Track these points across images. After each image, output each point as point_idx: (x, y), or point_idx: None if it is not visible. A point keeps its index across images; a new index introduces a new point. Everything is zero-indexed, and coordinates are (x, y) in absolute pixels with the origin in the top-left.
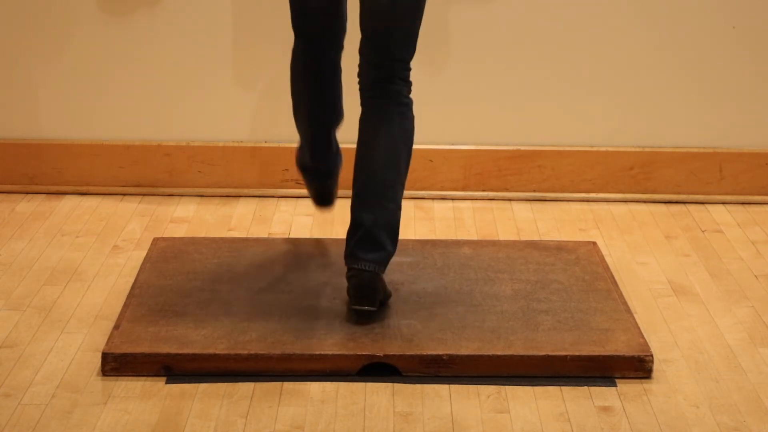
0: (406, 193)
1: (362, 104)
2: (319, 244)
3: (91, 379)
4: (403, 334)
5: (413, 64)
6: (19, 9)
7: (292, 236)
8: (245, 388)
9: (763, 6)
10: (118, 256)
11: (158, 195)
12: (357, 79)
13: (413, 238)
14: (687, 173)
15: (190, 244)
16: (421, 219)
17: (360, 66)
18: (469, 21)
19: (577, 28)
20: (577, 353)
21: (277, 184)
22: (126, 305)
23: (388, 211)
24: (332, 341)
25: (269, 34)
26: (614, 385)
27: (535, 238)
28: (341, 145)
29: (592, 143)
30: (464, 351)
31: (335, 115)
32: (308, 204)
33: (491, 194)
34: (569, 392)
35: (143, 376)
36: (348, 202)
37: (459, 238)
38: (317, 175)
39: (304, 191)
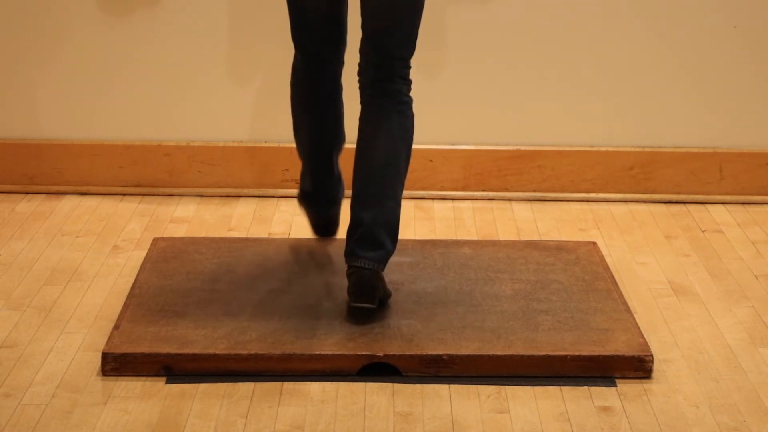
0: (406, 193)
1: (362, 103)
2: (319, 244)
3: (91, 379)
4: (403, 334)
5: (413, 63)
6: (19, 9)
7: (292, 236)
8: (245, 388)
9: (763, 6)
10: (118, 256)
11: (158, 195)
12: (357, 78)
13: (413, 238)
14: (687, 173)
15: (190, 244)
16: (421, 219)
17: (360, 65)
18: (469, 21)
19: (577, 28)
20: (577, 353)
21: (277, 184)
22: (126, 305)
23: (387, 210)
24: (332, 341)
25: (269, 34)
26: (614, 385)
27: (535, 238)
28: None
29: (592, 143)
30: (464, 351)
31: (336, 136)
32: None
33: (491, 194)
34: (569, 392)
35: (143, 376)
36: (348, 202)
37: (459, 238)
38: (318, 201)
39: None
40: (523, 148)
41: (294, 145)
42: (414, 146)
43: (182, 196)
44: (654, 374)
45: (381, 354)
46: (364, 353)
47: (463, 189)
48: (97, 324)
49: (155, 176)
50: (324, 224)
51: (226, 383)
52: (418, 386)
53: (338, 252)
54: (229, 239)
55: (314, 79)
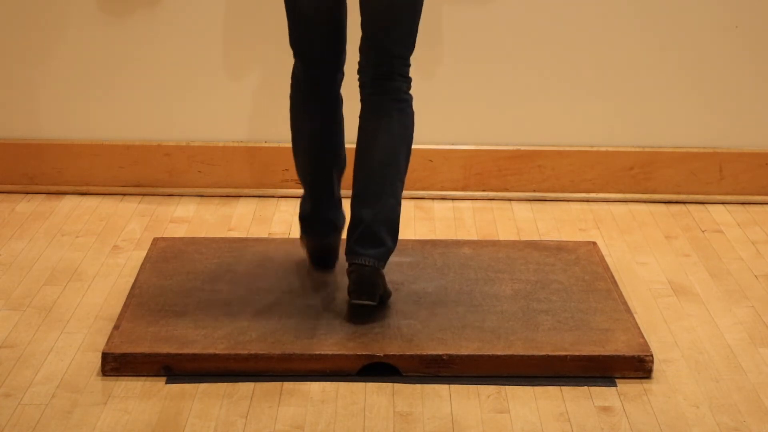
0: (406, 193)
1: (362, 101)
2: None
3: (91, 379)
4: (403, 334)
5: (413, 63)
6: (20, 9)
7: (292, 236)
8: (245, 388)
9: (763, 6)
10: (118, 256)
11: (158, 195)
12: (357, 77)
13: (413, 238)
14: (687, 173)
15: (190, 244)
16: (421, 219)
17: (360, 63)
18: (469, 21)
19: (577, 28)
20: (577, 353)
21: (277, 184)
22: (126, 305)
23: (387, 207)
24: (332, 341)
25: (269, 34)
26: (614, 385)
27: (535, 238)
28: None
29: (592, 143)
30: (464, 351)
31: (337, 153)
32: None
33: (491, 194)
34: (569, 392)
35: (143, 376)
36: (348, 202)
37: (459, 238)
38: (317, 225)
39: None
40: (523, 148)
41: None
42: (414, 146)
43: (182, 196)
44: (654, 374)
45: (381, 354)
46: (364, 353)
47: (463, 189)
48: (97, 324)
49: (155, 176)
50: (322, 252)
51: (226, 383)
52: (418, 386)
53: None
54: (229, 239)
55: (314, 86)
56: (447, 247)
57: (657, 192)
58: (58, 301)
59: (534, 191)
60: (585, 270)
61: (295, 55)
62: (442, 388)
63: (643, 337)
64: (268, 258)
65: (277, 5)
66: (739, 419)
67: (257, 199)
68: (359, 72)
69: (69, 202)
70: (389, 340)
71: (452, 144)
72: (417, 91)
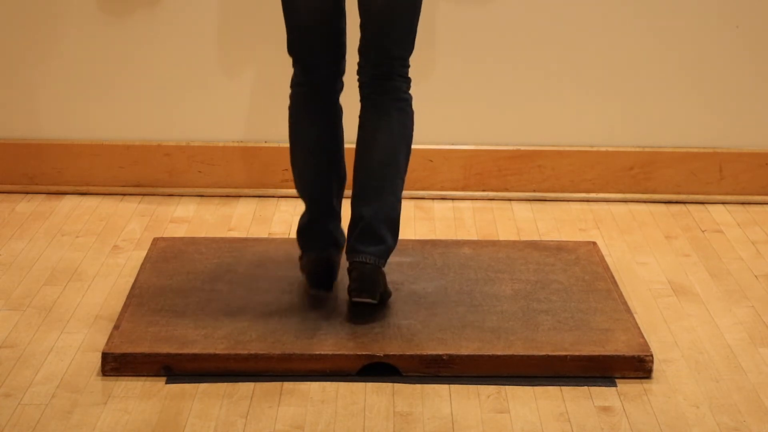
0: (406, 193)
1: (361, 100)
2: None
3: (91, 379)
4: (403, 334)
5: (414, 63)
6: (19, 9)
7: (291, 236)
8: (245, 388)
9: (763, 6)
10: (118, 256)
11: (158, 195)
12: (356, 78)
13: (413, 238)
14: (687, 173)
15: (190, 244)
16: (421, 219)
17: (359, 64)
18: (469, 21)
19: (577, 28)
20: (577, 353)
21: (277, 184)
22: (126, 305)
23: (387, 205)
24: (332, 341)
25: (270, 35)
26: (614, 385)
27: (535, 238)
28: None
29: (592, 143)
30: (464, 351)
31: (336, 165)
32: None
33: (491, 194)
34: (569, 392)
35: (143, 376)
36: (348, 202)
37: (459, 238)
38: (316, 238)
39: None
40: (523, 148)
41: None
42: (414, 146)
43: (182, 196)
44: (654, 374)
45: (381, 354)
46: (364, 353)
47: (463, 189)
48: (97, 324)
49: (155, 176)
50: (320, 267)
51: (226, 383)
52: (418, 386)
53: None
54: (229, 239)
55: (314, 95)
56: (447, 247)
57: (657, 192)
58: (58, 301)
59: (534, 191)
60: (585, 270)
61: (295, 63)
62: (442, 388)
63: (643, 337)
64: (268, 258)
65: (277, 5)
66: (739, 419)
67: (257, 199)
68: (359, 72)
69: (69, 202)
70: (389, 340)
71: (452, 144)
72: (417, 91)
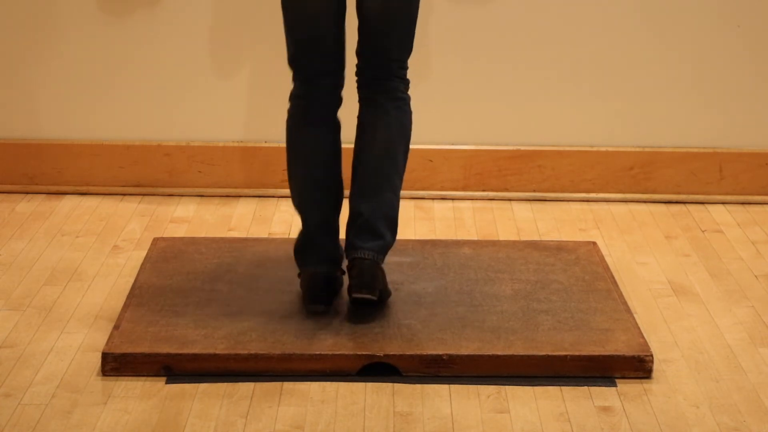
0: (406, 193)
1: (360, 100)
2: None
3: (91, 379)
4: (403, 334)
5: (413, 63)
6: (20, 9)
7: (292, 236)
8: (245, 388)
9: (764, 6)
10: (118, 256)
11: (158, 195)
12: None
13: (413, 238)
14: (687, 173)
15: (190, 244)
16: (421, 219)
17: (357, 66)
18: (469, 21)
19: (577, 28)
20: (577, 353)
21: (277, 184)
22: (126, 305)
23: (386, 201)
24: (332, 341)
25: (270, 35)
26: (614, 385)
27: (535, 238)
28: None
29: (592, 143)
30: (464, 351)
31: (333, 178)
32: None
33: (491, 194)
34: (569, 392)
35: (143, 376)
36: (348, 202)
37: (459, 238)
38: (313, 252)
39: None
40: (523, 148)
41: None
42: (414, 146)
43: (182, 196)
44: (654, 374)
45: (381, 354)
46: (364, 353)
47: (463, 189)
48: (97, 324)
49: (155, 176)
50: (317, 282)
51: (226, 383)
52: (418, 386)
53: None
54: (229, 239)
55: (313, 106)
56: (447, 247)
57: (657, 192)
58: (58, 301)
59: (534, 191)
60: (585, 270)
61: (295, 76)
62: (442, 388)
63: (643, 337)
64: (268, 258)
65: (276, 5)
66: (739, 419)
67: (257, 199)
68: (357, 74)
69: (69, 202)
70: (389, 340)
71: (452, 144)
72: (417, 91)
